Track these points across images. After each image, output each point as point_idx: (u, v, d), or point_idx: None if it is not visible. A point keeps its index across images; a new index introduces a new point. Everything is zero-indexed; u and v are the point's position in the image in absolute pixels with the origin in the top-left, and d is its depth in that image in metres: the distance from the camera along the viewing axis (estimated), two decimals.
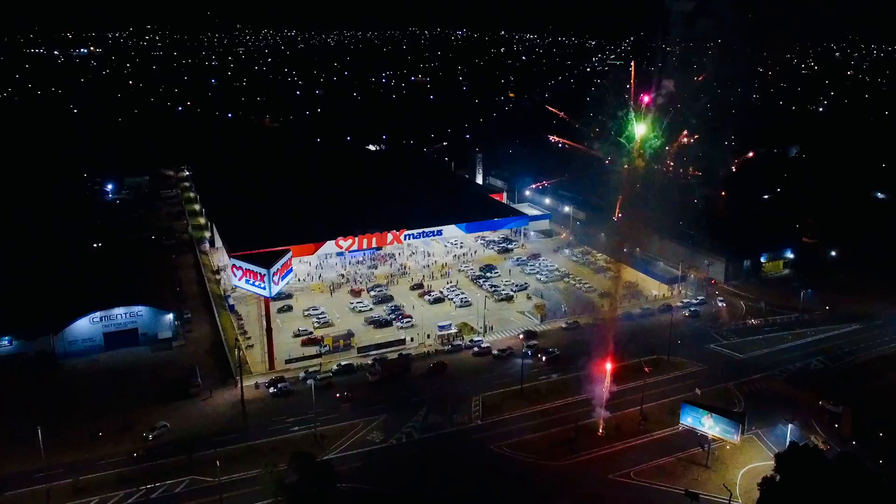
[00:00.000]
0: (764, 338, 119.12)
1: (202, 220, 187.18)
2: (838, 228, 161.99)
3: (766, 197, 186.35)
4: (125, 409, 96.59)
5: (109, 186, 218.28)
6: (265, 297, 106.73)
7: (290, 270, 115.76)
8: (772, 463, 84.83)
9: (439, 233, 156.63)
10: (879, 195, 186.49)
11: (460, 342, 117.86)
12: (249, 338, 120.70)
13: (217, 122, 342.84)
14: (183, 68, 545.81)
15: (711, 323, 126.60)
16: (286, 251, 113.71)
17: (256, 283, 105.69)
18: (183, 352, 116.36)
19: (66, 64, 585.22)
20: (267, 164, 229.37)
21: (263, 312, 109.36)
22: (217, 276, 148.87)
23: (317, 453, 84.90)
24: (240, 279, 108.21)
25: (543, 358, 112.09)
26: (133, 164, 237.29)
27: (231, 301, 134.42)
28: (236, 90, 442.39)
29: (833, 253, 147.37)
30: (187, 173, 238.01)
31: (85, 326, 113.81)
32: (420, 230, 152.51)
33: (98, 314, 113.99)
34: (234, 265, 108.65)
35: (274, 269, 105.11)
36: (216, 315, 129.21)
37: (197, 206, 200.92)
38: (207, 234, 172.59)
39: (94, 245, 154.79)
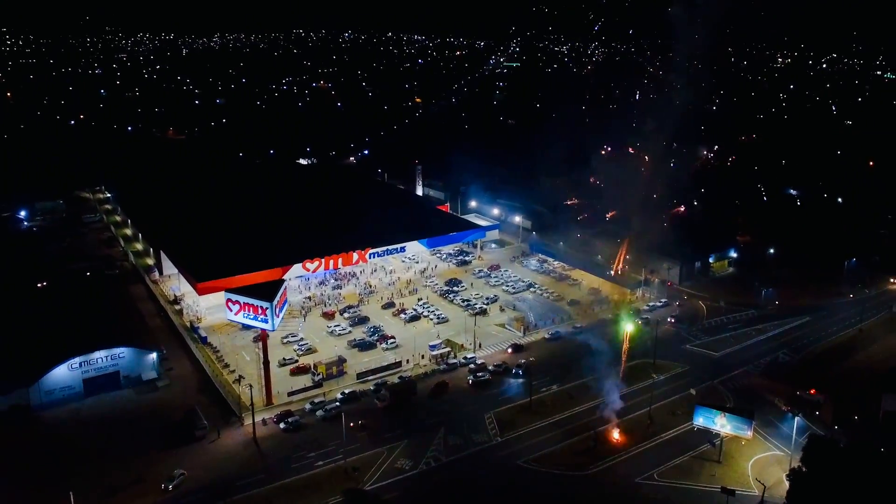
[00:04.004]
0: (731, 335, 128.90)
1: (139, 247, 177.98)
2: (765, 225, 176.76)
3: (696, 200, 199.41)
4: (129, 460, 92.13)
5: (22, 213, 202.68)
6: (266, 330, 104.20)
7: (287, 301, 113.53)
8: (774, 453, 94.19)
9: (403, 249, 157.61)
10: (792, 191, 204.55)
11: (455, 360, 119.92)
12: (234, 371, 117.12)
13: (117, 137, 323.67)
14: (64, 77, 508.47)
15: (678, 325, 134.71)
16: (280, 281, 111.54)
17: (257, 317, 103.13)
18: (171, 392, 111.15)
19: None
20: (196, 181, 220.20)
21: (260, 348, 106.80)
22: (177, 307, 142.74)
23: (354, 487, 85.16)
24: (236, 314, 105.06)
25: (470, 380, 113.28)
26: (39, 187, 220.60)
27: (202, 333, 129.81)
28: (130, 101, 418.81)
29: (771, 250, 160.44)
30: (108, 195, 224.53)
31: (63, 374, 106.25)
32: (385, 248, 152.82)
33: (77, 360, 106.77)
34: (229, 299, 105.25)
35: (275, 301, 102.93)
36: (193, 350, 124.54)
37: (129, 231, 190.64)
38: (151, 262, 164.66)
39: (39, 283, 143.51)
